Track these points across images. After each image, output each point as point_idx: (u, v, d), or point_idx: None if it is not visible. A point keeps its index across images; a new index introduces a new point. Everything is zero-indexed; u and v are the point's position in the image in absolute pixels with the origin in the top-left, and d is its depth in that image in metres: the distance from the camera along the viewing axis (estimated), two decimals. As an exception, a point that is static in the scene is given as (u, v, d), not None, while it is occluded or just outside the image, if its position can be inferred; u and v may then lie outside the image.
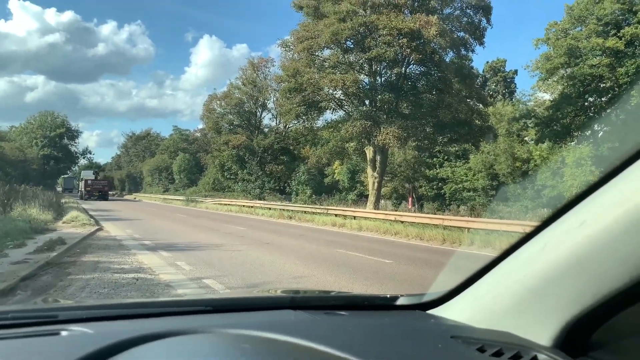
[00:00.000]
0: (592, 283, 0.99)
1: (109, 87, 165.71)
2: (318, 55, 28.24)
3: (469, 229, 16.18)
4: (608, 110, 26.16)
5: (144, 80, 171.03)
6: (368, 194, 28.81)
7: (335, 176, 40.34)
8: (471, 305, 1.32)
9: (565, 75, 27.42)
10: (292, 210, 27.96)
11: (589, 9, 26.77)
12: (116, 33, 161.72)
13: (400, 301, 1.58)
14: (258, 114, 48.25)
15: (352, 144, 29.29)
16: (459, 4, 26.55)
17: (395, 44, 24.02)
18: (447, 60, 27.20)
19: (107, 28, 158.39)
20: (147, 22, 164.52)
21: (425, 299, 1.51)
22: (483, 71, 47.71)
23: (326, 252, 12.73)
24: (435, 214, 22.10)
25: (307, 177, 40.38)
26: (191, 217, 27.30)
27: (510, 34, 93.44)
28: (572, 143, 25.71)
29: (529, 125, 31.52)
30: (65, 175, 72.87)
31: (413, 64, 27.14)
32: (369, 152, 27.28)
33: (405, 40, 23.85)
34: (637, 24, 24.31)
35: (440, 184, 32.87)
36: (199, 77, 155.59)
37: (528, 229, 1.17)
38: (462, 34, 27.10)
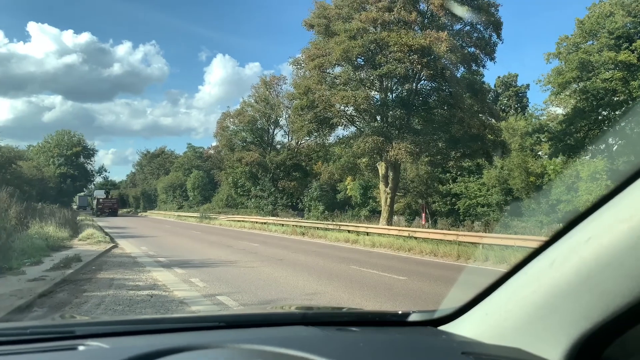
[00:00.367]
0: (601, 298, 1.00)
1: (124, 106, 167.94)
2: (329, 73, 28.46)
3: (483, 244, 16.02)
4: (622, 124, 25.92)
5: (158, 98, 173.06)
6: (381, 210, 28.70)
7: (347, 192, 40.28)
8: (482, 322, 1.33)
9: (577, 89, 27.30)
10: (304, 227, 27.93)
11: (600, 22, 26.73)
12: (131, 53, 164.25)
13: (411, 317, 1.59)
14: (270, 131, 48.58)
15: (364, 160, 29.29)
16: (469, 20, 26.64)
17: (406, 60, 24.13)
18: (458, 75, 27.24)
19: (123, 48, 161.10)
20: (162, 42, 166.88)
21: (437, 315, 1.52)
22: (495, 86, 47.65)
23: (339, 268, 12.68)
24: (449, 229, 21.91)
25: (319, 193, 40.36)
26: (205, 233, 27.40)
27: (521, 48, 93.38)
28: (587, 157, 25.46)
29: (542, 139, 31.32)
30: (80, 194, 74.10)
31: (424, 80, 27.20)
32: (381, 167, 27.26)
33: (415, 56, 23.95)
34: (649, 37, 24.18)
35: (453, 199, 32.63)
36: (213, 96, 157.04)
37: (542, 245, 1.18)
38: (472, 49, 27.13)
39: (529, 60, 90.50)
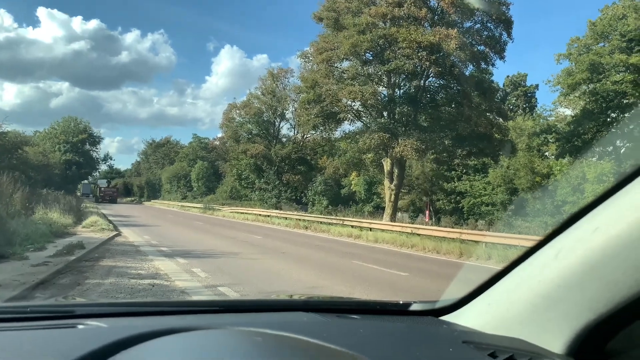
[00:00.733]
0: (606, 290, 0.98)
1: (131, 95, 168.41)
2: (337, 67, 28.40)
3: (486, 243, 15.99)
4: (631, 126, 25.76)
5: (165, 88, 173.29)
6: (385, 206, 28.69)
7: (352, 187, 40.28)
8: (484, 312, 1.31)
9: (587, 90, 27.13)
10: (308, 220, 27.97)
11: (612, 24, 26.52)
12: (139, 41, 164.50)
13: (413, 307, 1.58)
14: (276, 123, 48.60)
15: (369, 156, 29.27)
16: (480, 18, 26.49)
17: (414, 56, 24.04)
18: (467, 73, 27.11)
19: (131, 36, 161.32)
20: (170, 31, 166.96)
21: (438, 305, 1.51)
22: (503, 85, 47.45)
23: (342, 263, 12.69)
24: (452, 227, 21.89)
25: (323, 188, 40.39)
26: (208, 224, 27.48)
27: (531, 48, 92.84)
28: (594, 158, 25.34)
29: (550, 140, 31.18)
30: (84, 182, 75.14)
31: (432, 77, 27.12)
32: (387, 164, 27.22)
33: (424, 53, 23.86)
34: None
35: (458, 197, 32.57)
36: (220, 86, 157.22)
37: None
38: (482, 47, 27.00)
39: (538, 61, 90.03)
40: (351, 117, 28.82)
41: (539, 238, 1.19)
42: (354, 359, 1.02)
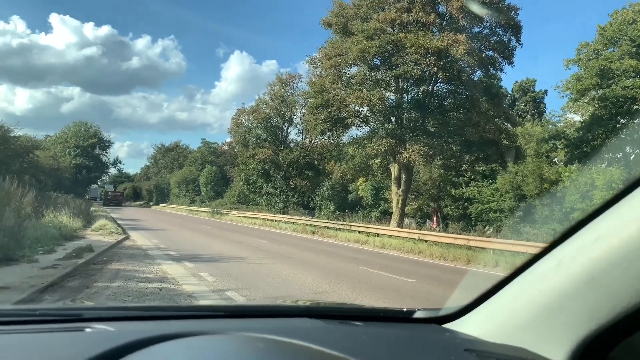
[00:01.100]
0: (608, 299, 0.98)
1: (141, 100, 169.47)
2: (345, 72, 28.44)
3: (494, 250, 15.90)
4: (641, 133, 25.56)
5: (175, 93, 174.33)
6: (392, 212, 28.62)
7: (359, 192, 40.23)
8: (486, 320, 1.32)
9: (596, 96, 26.97)
10: (315, 226, 27.96)
11: (622, 30, 26.38)
12: (150, 47, 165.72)
13: (416, 315, 1.59)
14: (284, 128, 48.67)
15: (377, 161, 29.23)
16: (488, 23, 26.45)
17: (422, 62, 24.03)
18: (475, 79, 27.04)
19: (142, 42, 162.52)
20: (180, 37, 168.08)
21: (442, 313, 1.51)
22: (512, 91, 47.25)
23: (348, 268, 12.68)
24: (460, 234, 21.78)
25: (331, 193, 40.36)
26: (216, 229, 27.55)
27: (540, 53, 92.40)
28: (603, 165, 25.14)
29: (558, 146, 31.00)
30: (93, 186, 76.81)
31: (440, 82, 27.08)
32: (394, 169, 27.18)
33: (432, 58, 23.85)
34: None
35: (466, 203, 32.41)
36: (229, 92, 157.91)
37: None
38: (490, 53, 26.93)
39: (547, 66, 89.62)
40: (359, 123, 28.85)
41: (542, 246, 1.19)
42: None
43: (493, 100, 27.22)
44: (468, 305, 1.41)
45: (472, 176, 32.74)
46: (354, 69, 28.45)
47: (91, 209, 32.33)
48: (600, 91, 26.60)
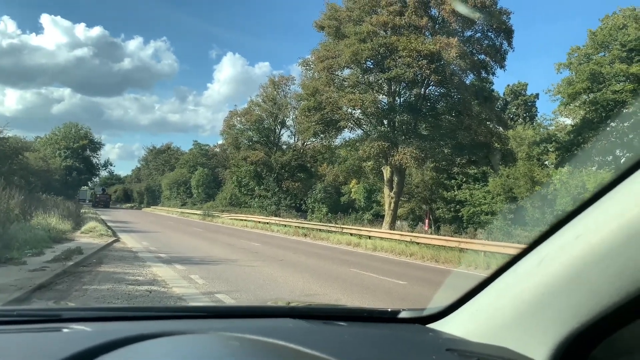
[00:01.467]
0: (589, 297, 0.98)
1: (133, 101, 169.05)
2: (338, 75, 28.49)
3: (485, 252, 15.96)
4: (630, 136, 25.79)
5: (167, 95, 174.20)
6: (384, 214, 28.67)
7: (351, 195, 40.26)
8: (469, 320, 1.31)
9: (587, 100, 27.20)
10: (307, 228, 27.94)
11: (612, 34, 26.64)
12: (142, 49, 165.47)
13: (401, 315, 1.58)
14: (277, 131, 48.66)
15: (369, 163, 29.28)
16: (480, 27, 26.60)
17: (415, 65, 24.12)
18: (467, 82, 27.20)
19: (134, 43, 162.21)
20: (173, 38, 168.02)
21: (426, 313, 1.50)
22: (504, 94, 47.53)
23: (340, 271, 12.67)
24: (452, 236, 21.84)
25: (323, 195, 40.37)
26: (207, 231, 27.46)
27: (532, 57, 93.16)
28: (593, 168, 25.34)
29: (550, 149, 31.22)
30: (82, 189, 77.14)
31: (432, 85, 27.19)
32: (386, 172, 27.24)
33: (425, 61, 23.95)
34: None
35: (458, 206, 32.53)
36: (221, 94, 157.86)
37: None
38: (482, 56, 27.08)
39: (539, 70, 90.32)
40: (351, 125, 28.89)
41: (523, 246, 1.18)
42: None
43: (485, 104, 27.38)
44: (452, 305, 1.40)
45: (464, 179, 32.89)
46: (346, 72, 28.53)
47: (81, 210, 32.12)
48: (591, 95, 26.84)
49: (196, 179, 62.45)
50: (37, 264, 10.13)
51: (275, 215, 37.83)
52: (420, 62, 24.04)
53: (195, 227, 30.75)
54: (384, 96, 28.10)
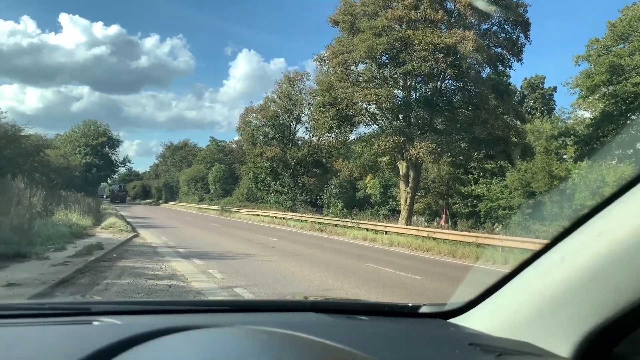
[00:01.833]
0: (612, 294, 0.99)
1: (150, 99, 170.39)
2: (352, 70, 28.37)
3: (503, 247, 15.84)
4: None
5: (183, 92, 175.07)
6: (400, 210, 28.56)
7: (367, 190, 40.16)
8: (491, 315, 1.32)
9: (606, 93, 26.72)
10: (323, 223, 27.97)
11: (632, 25, 26.11)
12: (158, 46, 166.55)
13: (422, 310, 1.60)
14: (292, 126, 48.66)
15: (384, 159, 29.16)
16: (497, 20, 26.26)
17: (430, 59, 23.91)
18: (484, 76, 26.87)
19: (150, 41, 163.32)
20: (188, 36, 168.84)
21: (447, 308, 1.52)
22: (521, 88, 46.90)
23: (356, 266, 12.68)
24: (469, 231, 21.68)
25: (339, 191, 40.34)
26: (225, 226, 27.65)
27: (549, 50, 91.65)
28: (613, 162, 24.92)
29: (568, 143, 30.77)
30: (100, 185, 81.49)
31: (449, 79, 26.93)
32: (402, 167, 27.11)
33: (441, 55, 23.74)
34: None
35: (475, 201, 32.24)
36: (237, 90, 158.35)
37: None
38: (499, 49, 26.74)
39: (556, 63, 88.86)
40: (366, 120, 28.76)
41: (545, 242, 1.20)
42: (360, 359, 1.04)
43: (502, 98, 27.05)
44: (473, 300, 1.41)
45: (481, 173, 32.58)
46: (361, 67, 28.40)
47: (101, 207, 32.57)
48: (611, 87, 26.35)
49: (213, 174, 62.83)
50: (59, 259, 10.34)
51: (292, 211, 37.93)
52: (436, 56, 23.84)
53: (213, 223, 30.99)
54: (399, 91, 27.93)
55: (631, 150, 26.26)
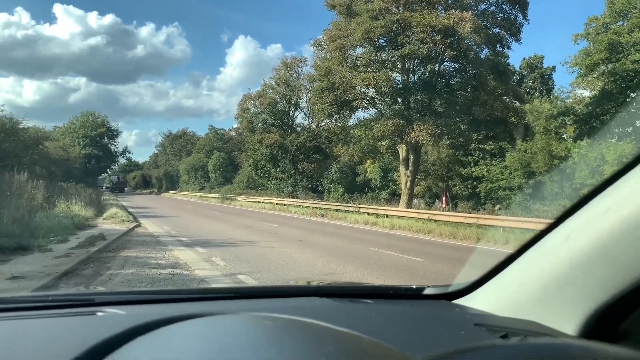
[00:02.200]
0: (618, 271, 0.98)
1: (147, 88, 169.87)
2: (350, 54, 28.19)
3: (504, 227, 15.88)
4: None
5: (180, 80, 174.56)
6: (401, 193, 28.60)
7: (367, 174, 40.17)
8: (496, 295, 1.32)
9: (605, 71, 26.55)
10: (324, 208, 28.03)
11: (631, 2, 25.83)
12: (154, 35, 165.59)
13: (426, 291, 1.60)
14: (291, 113, 48.52)
15: (384, 143, 29.11)
16: (494, 0, 26.02)
17: (428, 41, 23.74)
18: (482, 57, 26.71)
19: (146, 30, 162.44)
20: (184, 23, 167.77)
21: (451, 289, 1.52)
22: (520, 68, 46.59)
23: (358, 250, 12.73)
24: (469, 213, 21.73)
25: (339, 176, 40.35)
26: (226, 214, 27.71)
27: (548, 29, 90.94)
28: (613, 140, 24.87)
29: (568, 122, 30.67)
30: (103, 175, 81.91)
31: (447, 61, 26.78)
32: (402, 150, 27.07)
33: (439, 37, 23.56)
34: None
35: (475, 182, 32.26)
36: (234, 77, 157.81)
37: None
38: (497, 30, 26.56)
39: (555, 42, 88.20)
40: (365, 105, 28.66)
41: (550, 221, 1.19)
42: (365, 341, 1.04)
43: (500, 78, 26.92)
44: (477, 281, 1.41)
45: (481, 155, 32.53)
46: (359, 51, 28.21)
47: (102, 197, 32.60)
48: (610, 65, 26.18)
49: (213, 163, 62.82)
50: (62, 250, 10.37)
51: (292, 197, 37.98)
52: (434, 38, 23.66)
53: (214, 211, 31.05)
54: (397, 74, 27.79)
55: (631, 128, 26.19)
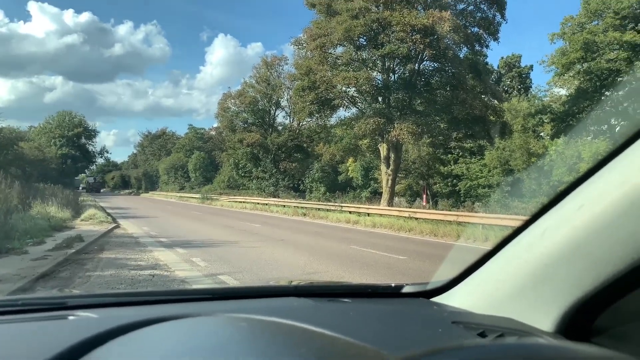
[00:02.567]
0: (593, 267, 0.99)
1: (126, 87, 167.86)
2: (331, 53, 28.21)
3: (483, 225, 16.07)
4: (625, 104, 25.76)
5: (159, 79, 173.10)
6: (382, 191, 28.75)
7: (349, 173, 40.27)
8: (473, 292, 1.33)
9: (581, 70, 27.06)
10: (306, 208, 28.02)
11: (605, 2, 26.36)
12: (132, 33, 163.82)
13: (405, 289, 1.60)
14: (272, 112, 48.37)
15: (365, 141, 29.23)
16: (473, -1, 26.31)
17: (408, 40, 23.90)
18: (461, 56, 26.99)
19: (124, 28, 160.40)
20: (163, 22, 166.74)
21: (429, 287, 1.53)
22: (498, 67, 47.20)
23: (340, 248, 12.76)
24: (449, 210, 21.96)
25: (320, 175, 40.37)
26: (206, 214, 27.51)
27: (525, 29, 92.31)
28: (589, 137, 25.36)
29: (545, 120, 31.19)
30: (76, 178, 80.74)
31: (427, 60, 26.98)
32: (383, 149, 27.21)
33: (418, 36, 23.72)
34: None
35: (455, 180, 32.59)
36: (214, 76, 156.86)
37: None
38: (476, 29, 26.85)
39: (532, 41, 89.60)
40: (346, 104, 28.71)
41: (525, 218, 1.20)
42: (340, 341, 1.03)
43: (479, 77, 27.24)
44: (455, 278, 1.42)
45: (460, 153, 32.88)
46: (339, 49, 28.25)
47: (80, 198, 32.08)
48: (585, 64, 26.68)
49: (193, 162, 62.32)
50: (38, 253, 10.17)
51: (274, 196, 37.88)
52: (413, 37, 23.82)
53: (195, 211, 30.79)
54: (378, 73, 27.90)
55: (606, 126, 26.74)
